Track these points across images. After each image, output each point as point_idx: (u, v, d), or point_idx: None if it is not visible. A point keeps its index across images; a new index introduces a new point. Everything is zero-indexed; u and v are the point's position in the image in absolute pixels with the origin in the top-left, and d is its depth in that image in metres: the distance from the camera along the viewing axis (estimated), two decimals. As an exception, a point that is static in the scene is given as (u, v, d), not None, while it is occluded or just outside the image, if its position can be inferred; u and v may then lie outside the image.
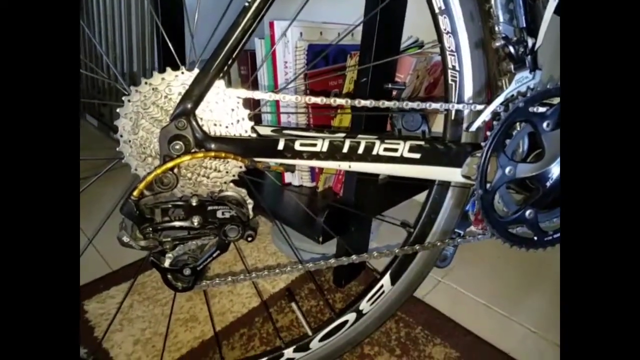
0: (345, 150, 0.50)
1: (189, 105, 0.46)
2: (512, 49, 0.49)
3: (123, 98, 0.48)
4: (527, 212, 0.53)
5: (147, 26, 1.51)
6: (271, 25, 0.90)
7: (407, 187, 1.01)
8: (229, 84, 0.48)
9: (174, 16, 1.00)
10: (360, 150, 0.50)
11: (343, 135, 0.51)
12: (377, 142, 0.50)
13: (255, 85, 1.03)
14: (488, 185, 0.50)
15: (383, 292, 0.65)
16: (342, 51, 0.96)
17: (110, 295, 0.92)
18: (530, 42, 0.50)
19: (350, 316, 0.65)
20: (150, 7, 1.48)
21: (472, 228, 0.65)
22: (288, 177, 1.05)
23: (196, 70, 0.47)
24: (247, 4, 0.44)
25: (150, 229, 0.46)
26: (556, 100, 0.50)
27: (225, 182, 0.51)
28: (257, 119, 0.99)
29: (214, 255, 0.51)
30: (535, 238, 0.54)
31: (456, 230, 0.62)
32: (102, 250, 1.03)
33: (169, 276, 0.52)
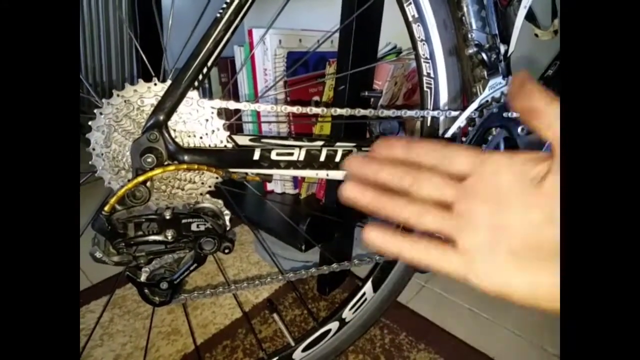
0: (322, 158, 0.50)
1: (161, 117, 0.45)
2: (485, 56, 0.50)
3: (95, 110, 0.47)
4: (505, 217, 0.53)
5: (125, 35, 1.49)
6: (250, 32, 0.90)
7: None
8: (210, 93, 0.47)
9: (151, 26, 0.99)
10: (338, 159, 0.50)
11: (320, 143, 0.51)
12: (355, 150, 0.50)
13: (236, 93, 1.03)
14: (465, 191, 0.51)
15: (365, 299, 0.64)
16: (322, 58, 0.96)
17: (89, 310, 0.90)
18: (502, 48, 0.51)
19: (333, 325, 0.65)
20: (123, 18, 1.46)
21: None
22: (270, 185, 1.04)
23: (169, 82, 0.46)
24: (218, 15, 0.44)
25: (123, 244, 0.45)
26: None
27: (201, 194, 0.50)
28: (238, 127, 0.98)
29: (191, 268, 0.50)
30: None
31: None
32: (82, 263, 1.01)
33: (146, 290, 0.50)
